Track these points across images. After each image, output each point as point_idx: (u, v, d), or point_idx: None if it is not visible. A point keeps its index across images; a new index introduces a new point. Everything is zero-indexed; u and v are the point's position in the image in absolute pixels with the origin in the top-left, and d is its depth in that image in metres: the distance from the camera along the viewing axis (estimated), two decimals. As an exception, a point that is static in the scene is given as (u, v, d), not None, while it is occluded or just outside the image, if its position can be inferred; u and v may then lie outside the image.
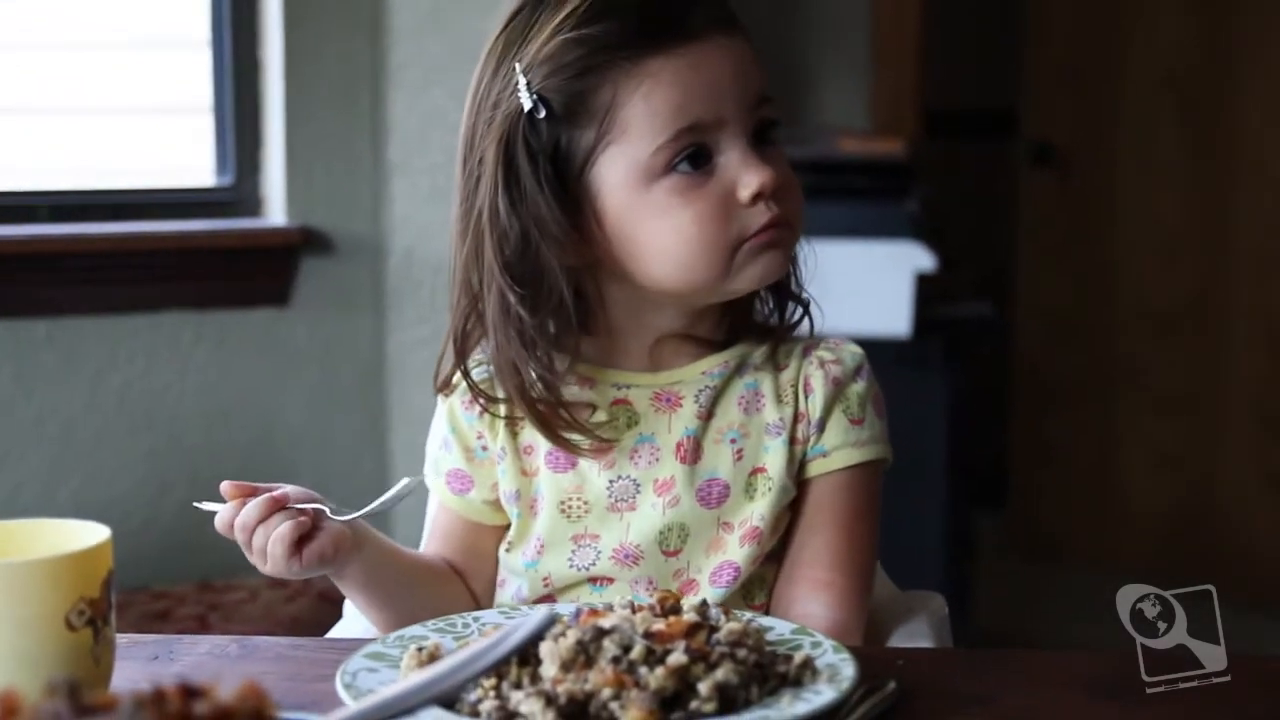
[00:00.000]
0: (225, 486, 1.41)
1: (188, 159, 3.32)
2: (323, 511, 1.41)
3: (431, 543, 1.59)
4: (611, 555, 1.47)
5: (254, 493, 1.40)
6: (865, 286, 3.40)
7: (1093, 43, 4.72)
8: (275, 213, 3.27)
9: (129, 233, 3.17)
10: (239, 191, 3.30)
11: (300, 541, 1.38)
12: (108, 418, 3.13)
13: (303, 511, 1.40)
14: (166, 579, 3.10)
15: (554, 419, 1.45)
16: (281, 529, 1.38)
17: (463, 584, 1.55)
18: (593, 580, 1.48)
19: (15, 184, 3.22)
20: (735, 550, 1.46)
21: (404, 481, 1.41)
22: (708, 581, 1.46)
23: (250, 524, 1.39)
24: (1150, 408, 4.66)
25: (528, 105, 1.39)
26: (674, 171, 1.40)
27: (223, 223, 3.26)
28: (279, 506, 1.39)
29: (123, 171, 3.31)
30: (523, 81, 1.39)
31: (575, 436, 1.45)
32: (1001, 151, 5.07)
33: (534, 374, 1.44)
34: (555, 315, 1.43)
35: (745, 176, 1.40)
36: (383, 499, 1.41)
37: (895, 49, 4.26)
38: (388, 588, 1.49)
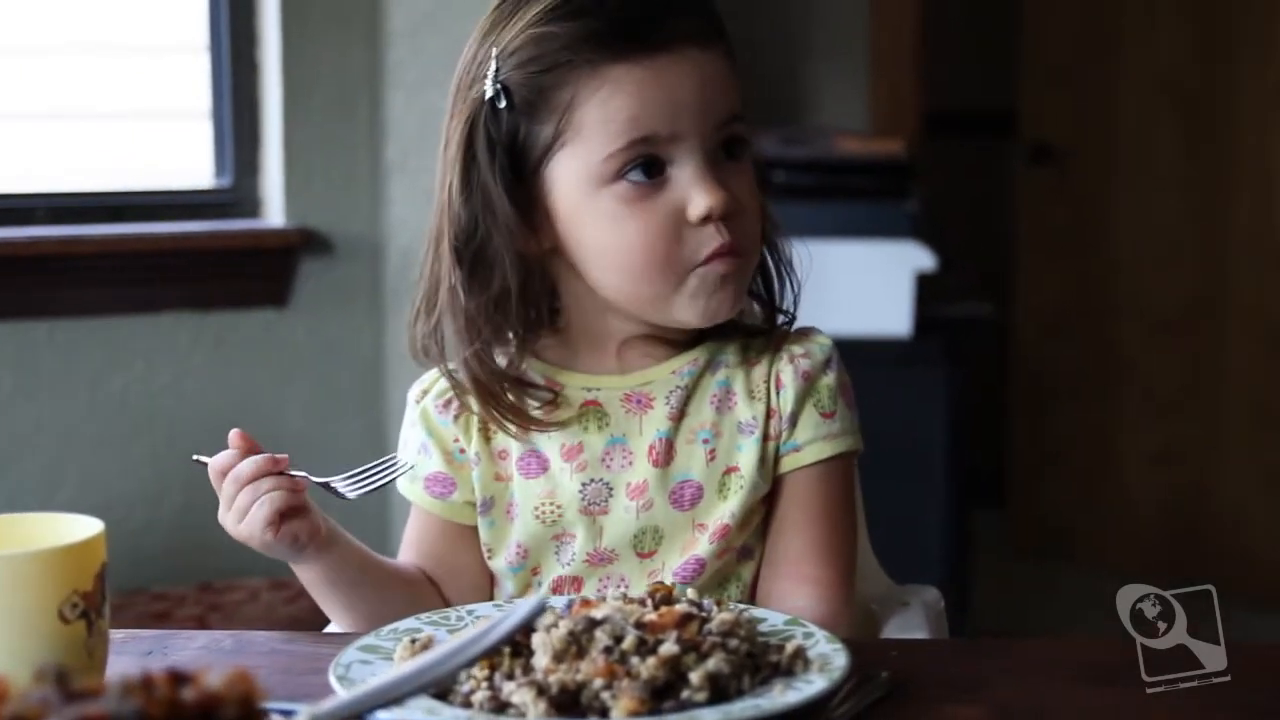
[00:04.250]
0: (234, 435, 1.39)
1: (187, 161, 3.33)
2: (319, 484, 1.41)
3: (407, 551, 1.54)
4: (586, 559, 1.46)
5: (257, 450, 1.38)
6: (866, 286, 3.40)
7: (1090, 44, 4.72)
8: (274, 214, 3.28)
9: (128, 234, 3.16)
10: (237, 193, 3.30)
11: (283, 515, 1.36)
12: (108, 419, 3.13)
13: (296, 484, 1.37)
14: (167, 580, 3.10)
15: (499, 405, 1.44)
16: (275, 494, 1.35)
17: (437, 592, 1.51)
18: (556, 589, 1.47)
19: (14, 187, 3.22)
20: (704, 547, 1.44)
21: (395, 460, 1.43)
22: (672, 578, 1.43)
23: (244, 478, 1.36)
24: (1149, 407, 4.66)
25: (489, 93, 1.39)
26: (624, 179, 1.38)
27: (221, 224, 3.26)
28: (277, 470, 1.37)
29: (122, 174, 3.31)
30: (492, 68, 1.39)
31: (526, 421, 1.44)
32: (1000, 152, 5.07)
33: (474, 363, 1.43)
34: (500, 305, 1.42)
35: (695, 196, 1.38)
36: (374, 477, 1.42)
37: (894, 50, 4.26)
38: (355, 591, 1.46)
